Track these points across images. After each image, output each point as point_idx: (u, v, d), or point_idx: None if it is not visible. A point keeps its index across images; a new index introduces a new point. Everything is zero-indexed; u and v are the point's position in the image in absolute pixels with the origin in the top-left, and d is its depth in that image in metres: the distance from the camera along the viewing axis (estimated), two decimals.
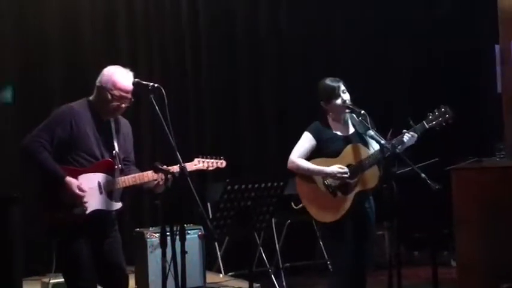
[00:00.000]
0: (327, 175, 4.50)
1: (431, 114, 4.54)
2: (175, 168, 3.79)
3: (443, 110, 4.54)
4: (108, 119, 4.02)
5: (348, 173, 4.45)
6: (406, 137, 4.45)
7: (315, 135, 4.59)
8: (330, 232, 4.56)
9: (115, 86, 3.93)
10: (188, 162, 4.05)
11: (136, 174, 4.00)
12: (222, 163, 4.23)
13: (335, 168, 4.47)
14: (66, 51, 6.45)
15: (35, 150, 3.82)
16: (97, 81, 4.00)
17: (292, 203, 4.65)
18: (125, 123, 4.17)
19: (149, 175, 3.96)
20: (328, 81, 4.58)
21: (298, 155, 4.58)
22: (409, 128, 4.50)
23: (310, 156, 4.59)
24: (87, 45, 6.49)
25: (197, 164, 4.13)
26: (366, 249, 4.60)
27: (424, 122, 4.53)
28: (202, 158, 4.16)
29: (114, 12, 6.67)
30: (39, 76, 6.35)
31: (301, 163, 4.55)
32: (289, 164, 4.59)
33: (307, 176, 4.56)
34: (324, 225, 4.58)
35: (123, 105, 3.97)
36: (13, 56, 6.27)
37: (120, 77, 3.96)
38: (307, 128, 4.66)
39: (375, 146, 4.51)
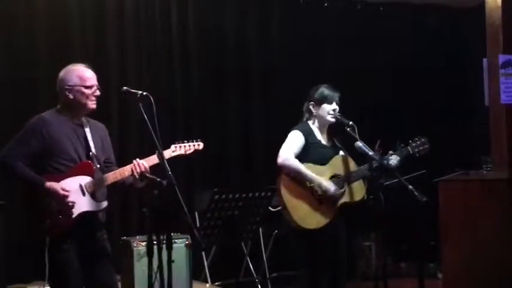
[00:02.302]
0: (320, 187, 4.41)
1: (414, 141, 4.63)
2: (154, 160, 3.85)
3: (423, 140, 4.64)
4: (81, 121, 4.00)
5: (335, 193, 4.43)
6: (394, 160, 4.51)
7: (305, 136, 4.53)
8: (306, 239, 4.41)
9: (82, 78, 3.96)
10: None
11: (117, 170, 3.98)
12: (199, 145, 4.16)
13: (331, 186, 4.42)
14: (55, 58, 6.40)
15: (11, 163, 3.81)
16: (59, 89, 3.99)
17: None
18: (100, 126, 4.16)
19: (129, 169, 3.95)
20: (327, 87, 4.63)
21: (292, 154, 4.45)
22: (395, 150, 4.55)
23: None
24: (76, 54, 6.47)
25: (175, 150, 4.09)
26: (339, 260, 4.51)
27: (409, 147, 4.61)
28: (179, 143, 4.12)
29: (104, 26, 6.66)
30: (27, 81, 6.30)
31: (297, 164, 4.42)
32: (284, 162, 4.42)
33: (297, 178, 4.43)
34: (300, 232, 4.39)
35: (96, 93, 3.98)
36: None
37: (80, 69, 4.00)
38: (296, 127, 4.59)
39: None
